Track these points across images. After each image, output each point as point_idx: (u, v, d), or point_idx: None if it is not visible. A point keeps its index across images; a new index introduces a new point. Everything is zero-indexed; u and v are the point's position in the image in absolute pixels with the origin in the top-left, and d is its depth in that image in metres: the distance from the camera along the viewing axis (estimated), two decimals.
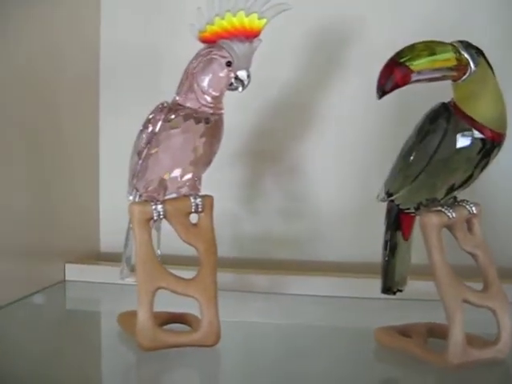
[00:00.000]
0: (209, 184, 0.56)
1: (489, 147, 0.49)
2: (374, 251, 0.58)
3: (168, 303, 0.56)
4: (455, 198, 0.53)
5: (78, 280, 0.74)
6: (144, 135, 0.53)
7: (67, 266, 0.75)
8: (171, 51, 0.77)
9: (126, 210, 0.57)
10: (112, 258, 0.79)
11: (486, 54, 0.50)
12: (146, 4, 0.80)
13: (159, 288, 0.52)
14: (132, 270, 0.58)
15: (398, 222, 0.55)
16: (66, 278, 0.75)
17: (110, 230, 0.81)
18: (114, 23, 0.81)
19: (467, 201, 0.53)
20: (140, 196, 0.55)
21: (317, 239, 0.77)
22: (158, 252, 0.55)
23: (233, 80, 0.51)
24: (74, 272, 0.75)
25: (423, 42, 0.48)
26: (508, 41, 0.72)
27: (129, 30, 0.80)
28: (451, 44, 0.48)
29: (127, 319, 0.57)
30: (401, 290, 0.57)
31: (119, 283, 0.68)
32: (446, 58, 0.47)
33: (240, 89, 0.52)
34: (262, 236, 0.78)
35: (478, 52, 0.49)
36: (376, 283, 0.58)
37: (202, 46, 0.52)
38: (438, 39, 0.50)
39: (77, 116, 0.78)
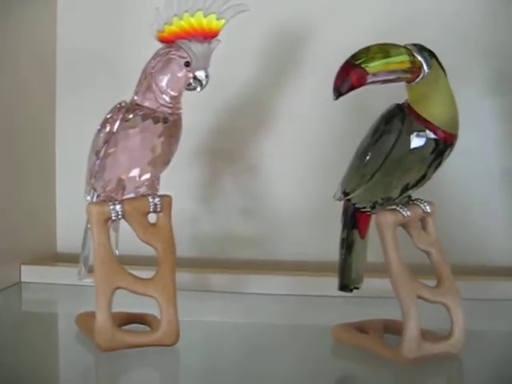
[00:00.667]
0: (167, 183, 0.57)
1: (442, 147, 0.51)
2: (332, 250, 0.59)
3: (126, 304, 0.56)
4: (410, 196, 0.54)
5: (34, 281, 0.74)
6: (102, 135, 0.53)
7: (23, 267, 0.74)
8: (128, 50, 0.78)
9: (82, 210, 0.57)
10: (68, 259, 0.79)
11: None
12: (103, 2, 0.80)
13: (118, 288, 0.52)
14: (90, 270, 0.58)
15: (354, 221, 0.57)
16: (22, 280, 0.74)
17: (67, 230, 0.81)
18: (71, 22, 0.80)
19: (421, 200, 0.54)
20: (98, 196, 0.55)
21: (275, 238, 0.78)
22: (116, 252, 0.55)
23: (191, 80, 0.52)
24: (30, 273, 0.74)
25: (378, 45, 0.49)
26: (450, 48, 0.74)
27: (85, 29, 0.79)
28: (405, 47, 0.50)
29: (85, 320, 0.57)
30: (357, 288, 0.58)
31: (76, 284, 0.68)
32: (400, 60, 0.49)
33: (198, 89, 0.52)
34: (220, 235, 0.79)
35: (430, 55, 0.50)
36: (334, 281, 0.59)
37: (160, 45, 0.53)
38: (391, 42, 0.51)
39: (32, 116, 0.77)
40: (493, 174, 0.77)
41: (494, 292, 0.70)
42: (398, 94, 0.53)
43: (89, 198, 0.56)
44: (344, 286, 0.58)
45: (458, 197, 0.76)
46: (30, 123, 0.77)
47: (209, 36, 0.51)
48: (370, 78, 0.48)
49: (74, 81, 0.80)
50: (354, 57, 0.48)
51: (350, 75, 0.47)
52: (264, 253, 0.78)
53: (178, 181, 0.66)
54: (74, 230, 0.74)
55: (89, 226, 0.55)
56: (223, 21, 0.51)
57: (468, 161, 0.75)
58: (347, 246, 0.57)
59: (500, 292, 0.70)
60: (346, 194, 0.56)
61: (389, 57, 0.48)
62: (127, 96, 0.54)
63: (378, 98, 0.55)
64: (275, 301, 0.69)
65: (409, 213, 0.53)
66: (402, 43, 0.52)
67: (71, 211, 0.79)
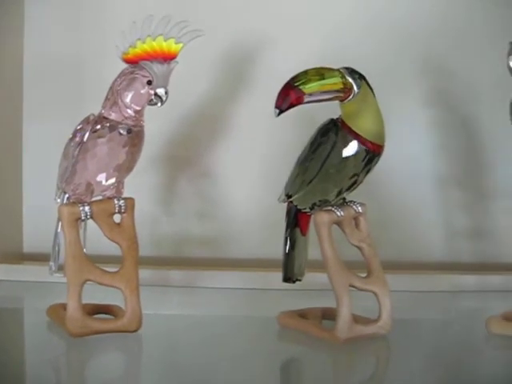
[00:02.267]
0: (129, 187, 0.63)
1: (370, 156, 0.59)
2: (278, 248, 0.66)
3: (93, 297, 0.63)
4: (344, 199, 0.62)
5: (3, 279, 0.80)
6: (72, 144, 0.60)
7: None
8: (94, 63, 0.85)
9: (48, 212, 0.64)
10: (35, 258, 0.84)
11: (368, 77, 0.60)
12: (70, 18, 0.87)
13: (87, 280, 0.59)
14: (60, 268, 0.64)
15: (296, 220, 0.64)
16: None
17: (33, 231, 0.87)
18: (38, 34, 0.86)
19: (354, 201, 0.62)
20: (68, 198, 0.62)
21: (228, 238, 0.85)
22: (84, 250, 0.61)
23: (153, 96, 0.59)
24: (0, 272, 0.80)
25: (315, 68, 0.56)
26: (391, 67, 0.84)
27: (52, 41, 0.86)
28: (338, 70, 0.57)
29: (56, 311, 0.64)
30: (299, 280, 0.65)
31: (43, 281, 0.75)
32: (334, 82, 0.56)
33: (159, 104, 0.59)
34: (177, 235, 0.86)
35: (360, 77, 0.58)
36: (279, 276, 0.66)
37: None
38: (336, 62, 0.59)
39: (0, 121, 0.83)
40: (427, 178, 0.85)
41: (427, 285, 0.78)
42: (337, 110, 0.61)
43: (59, 200, 0.63)
44: (288, 278, 0.65)
45: (397, 198, 0.85)
46: None
47: (168, 58, 0.58)
48: (306, 98, 0.55)
49: (40, 88, 0.86)
50: (294, 79, 0.56)
51: (290, 95, 0.55)
52: (218, 251, 0.85)
53: (139, 185, 0.68)
54: (39, 231, 0.82)
55: (59, 225, 0.62)
56: (181, 45, 0.58)
57: (406, 166, 0.84)
58: (290, 242, 0.64)
59: (432, 285, 0.79)
60: (288, 196, 0.63)
61: (323, 79, 0.56)
62: (89, 103, 0.61)
63: (319, 113, 0.62)
64: (227, 294, 0.76)
65: (342, 213, 0.60)
66: (345, 63, 0.59)
67: (37, 213, 0.86)
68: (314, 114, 0.63)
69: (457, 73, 0.84)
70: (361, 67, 0.60)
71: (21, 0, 0.86)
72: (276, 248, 0.67)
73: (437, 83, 0.85)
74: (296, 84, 0.55)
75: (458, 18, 0.85)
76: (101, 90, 0.62)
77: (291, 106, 0.55)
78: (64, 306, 0.62)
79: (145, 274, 0.68)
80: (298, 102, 0.55)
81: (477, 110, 0.84)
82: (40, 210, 0.85)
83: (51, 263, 0.65)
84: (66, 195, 0.62)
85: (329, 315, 0.63)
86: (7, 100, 0.85)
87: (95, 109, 0.61)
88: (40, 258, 0.83)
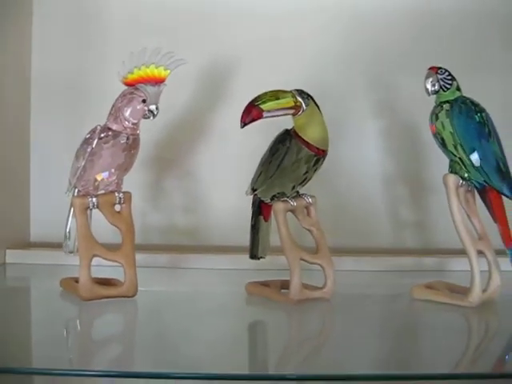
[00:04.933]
0: (123, 186, 0.81)
1: (317, 158, 0.78)
2: (248, 236, 0.84)
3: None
4: (298, 192, 0.81)
5: (17, 262, 0.99)
6: (82, 149, 0.80)
7: (7, 251, 0.99)
8: (96, 82, 1.04)
9: (52, 205, 0.86)
10: (40, 246, 1.04)
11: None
12: (76, 40, 1.06)
13: (95, 256, 0.79)
14: (71, 251, 0.84)
15: (260, 209, 0.83)
16: (6, 262, 0.99)
17: (39, 222, 1.06)
18: (45, 52, 1.05)
19: (306, 194, 0.81)
20: (79, 192, 0.81)
21: (207, 228, 1.05)
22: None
23: (146, 112, 0.78)
24: (13, 256, 0.99)
25: (272, 91, 0.76)
26: (343, 82, 1.05)
27: (58, 60, 1.05)
28: (290, 91, 0.77)
29: (68, 282, 0.83)
30: (263, 257, 0.84)
31: (50, 264, 0.95)
32: (287, 101, 0.76)
33: (151, 118, 0.79)
34: (163, 227, 1.05)
35: (308, 97, 0.78)
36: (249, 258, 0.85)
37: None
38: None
39: (8, 118, 1.01)
40: (376, 176, 1.05)
41: (375, 265, 0.99)
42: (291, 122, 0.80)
43: (70, 194, 0.82)
44: (253, 256, 0.84)
45: (351, 194, 1.04)
46: (5, 127, 1.00)
47: (159, 81, 0.78)
48: (265, 114, 0.75)
49: (48, 97, 1.05)
50: (255, 99, 0.75)
51: (252, 112, 0.75)
52: (198, 239, 1.04)
53: (131, 183, 0.83)
54: (44, 223, 1.01)
55: (71, 213, 0.82)
56: (169, 71, 0.78)
57: (358, 166, 1.05)
58: (256, 228, 0.83)
59: (379, 265, 0.99)
60: (254, 190, 0.82)
61: (278, 99, 0.76)
62: (88, 111, 0.87)
63: (278, 124, 0.81)
64: (206, 273, 0.96)
65: (295, 203, 0.80)
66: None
67: (43, 207, 1.05)
68: (275, 125, 0.81)
69: (400, 88, 1.05)
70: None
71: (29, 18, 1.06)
72: (246, 235, 0.85)
73: (383, 96, 1.06)
74: (257, 103, 0.76)
75: (403, 41, 1.06)
76: (101, 100, 0.81)
77: (253, 120, 0.75)
78: (74, 279, 0.81)
79: (137, 257, 0.82)
80: (258, 117, 0.76)
81: (416, 119, 1.03)
82: (45, 204, 1.05)
83: (65, 243, 0.84)
84: (76, 189, 0.82)
85: (286, 286, 0.82)
86: (17, 106, 1.04)
87: (95, 115, 0.80)
88: (45, 245, 1.03)
